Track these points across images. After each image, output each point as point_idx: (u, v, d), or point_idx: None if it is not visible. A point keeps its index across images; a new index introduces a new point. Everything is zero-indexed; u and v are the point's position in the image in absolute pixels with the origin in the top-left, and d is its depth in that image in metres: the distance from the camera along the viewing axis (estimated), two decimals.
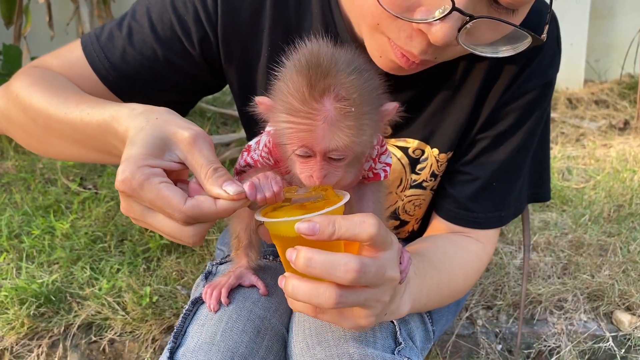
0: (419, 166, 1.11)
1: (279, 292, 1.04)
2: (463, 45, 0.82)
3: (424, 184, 1.14)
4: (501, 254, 1.94)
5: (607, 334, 1.61)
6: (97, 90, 1.04)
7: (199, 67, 1.06)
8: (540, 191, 1.22)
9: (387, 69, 0.90)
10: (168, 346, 0.93)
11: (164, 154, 0.73)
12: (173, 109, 0.81)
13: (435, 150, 1.09)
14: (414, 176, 1.13)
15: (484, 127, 1.07)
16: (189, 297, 1.45)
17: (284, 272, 0.75)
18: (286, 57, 0.75)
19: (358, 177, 0.88)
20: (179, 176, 0.78)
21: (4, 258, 1.84)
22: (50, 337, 1.58)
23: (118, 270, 1.79)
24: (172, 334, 0.95)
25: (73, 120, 0.89)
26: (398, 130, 1.08)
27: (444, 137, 1.07)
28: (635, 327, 1.61)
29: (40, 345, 1.56)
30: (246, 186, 0.71)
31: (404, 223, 1.22)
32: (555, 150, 2.91)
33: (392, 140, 1.10)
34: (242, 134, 2.80)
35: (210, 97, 3.65)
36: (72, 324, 1.59)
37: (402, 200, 1.16)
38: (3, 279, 1.72)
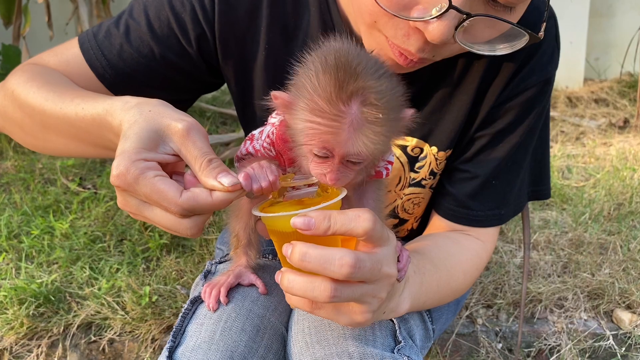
0: (417, 164, 1.11)
1: (278, 290, 1.04)
2: (460, 43, 0.82)
3: (423, 182, 1.13)
4: (501, 253, 1.94)
5: (608, 333, 1.60)
6: (94, 87, 1.04)
7: (196, 65, 1.06)
8: (540, 189, 1.21)
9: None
10: (167, 345, 0.93)
11: (158, 147, 0.73)
12: None
13: (434, 149, 1.09)
14: (412, 174, 1.12)
15: (483, 125, 1.07)
16: (189, 296, 1.45)
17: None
18: (307, 55, 0.74)
19: (366, 177, 0.88)
20: (175, 168, 0.78)
21: (3, 258, 1.83)
22: (50, 337, 1.58)
23: (117, 270, 1.79)
24: (171, 333, 0.95)
25: (68, 115, 0.88)
26: None
27: (443, 135, 1.07)
28: (636, 326, 1.61)
29: (39, 345, 1.56)
30: (241, 177, 0.71)
31: (403, 221, 1.22)
32: (555, 149, 2.90)
33: None
34: (241, 133, 2.80)
35: (209, 96, 3.65)
36: (71, 323, 1.59)
37: (401, 199, 1.16)
38: (2, 279, 1.72)
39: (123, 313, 1.59)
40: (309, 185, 0.83)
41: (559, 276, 1.82)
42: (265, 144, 0.83)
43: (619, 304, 1.69)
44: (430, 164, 1.11)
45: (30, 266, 1.79)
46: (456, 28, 0.80)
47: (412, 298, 0.92)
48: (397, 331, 0.97)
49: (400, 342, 0.95)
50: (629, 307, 1.68)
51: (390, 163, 0.91)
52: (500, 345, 1.62)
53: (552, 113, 3.48)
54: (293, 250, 0.69)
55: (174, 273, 1.77)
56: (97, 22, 3.03)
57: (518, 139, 1.08)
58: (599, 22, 4.07)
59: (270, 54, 1.04)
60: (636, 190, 2.34)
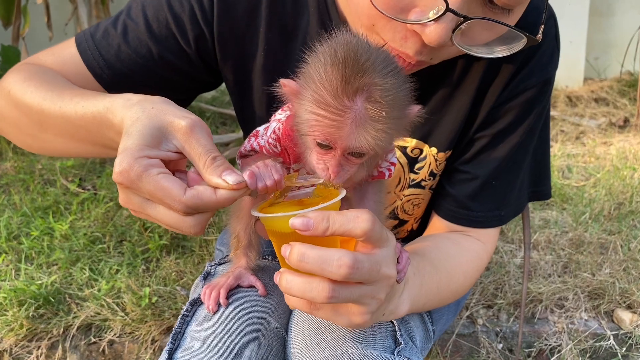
0: (417, 165, 1.11)
1: (278, 292, 1.04)
2: (458, 45, 0.82)
3: (423, 183, 1.13)
4: (501, 253, 1.94)
5: (608, 333, 1.60)
6: (91, 87, 1.03)
7: (194, 66, 1.05)
8: (540, 189, 1.21)
9: None
10: (167, 347, 0.93)
11: (161, 144, 0.72)
12: None
13: (434, 149, 1.09)
14: (412, 175, 1.12)
15: (482, 126, 1.07)
16: (188, 297, 1.44)
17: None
18: (319, 44, 0.73)
19: (368, 175, 0.88)
20: (177, 166, 0.77)
21: (3, 259, 1.83)
22: (50, 338, 1.57)
23: (117, 271, 1.78)
24: (171, 335, 0.95)
25: (67, 113, 0.88)
26: None
27: (443, 136, 1.07)
28: (637, 326, 1.61)
29: (39, 347, 1.56)
30: (246, 175, 0.70)
31: (402, 222, 1.21)
32: (555, 149, 2.90)
33: None
34: (241, 133, 2.79)
35: (209, 97, 3.65)
36: (71, 325, 1.59)
37: (401, 200, 1.16)
38: (2, 280, 1.72)
39: (123, 314, 1.59)
40: (312, 185, 0.83)
41: (559, 276, 1.82)
42: (270, 140, 0.83)
43: (620, 303, 1.69)
44: (429, 164, 1.10)
45: (30, 267, 1.79)
46: (453, 31, 0.79)
47: (412, 300, 0.92)
48: (397, 333, 0.96)
49: (400, 344, 0.95)
50: (629, 307, 1.68)
51: (393, 164, 0.91)
52: (501, 345, 1.62)
53: (552, 112, 3.48)
54: (291, 251, 0.69)
55: (173, 274, 1.76)
56: (97, 22, 3.03)
57: (518, 139, 1.08)
58: (598, 21, 4.06)
59: (269, 55, 1.04)
60: (636, 189, 2.34)
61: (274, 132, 0.83)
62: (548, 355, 1.60)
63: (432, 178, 1.12)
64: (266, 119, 0.88)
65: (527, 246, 1.42)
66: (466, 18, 0.78)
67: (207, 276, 1.13)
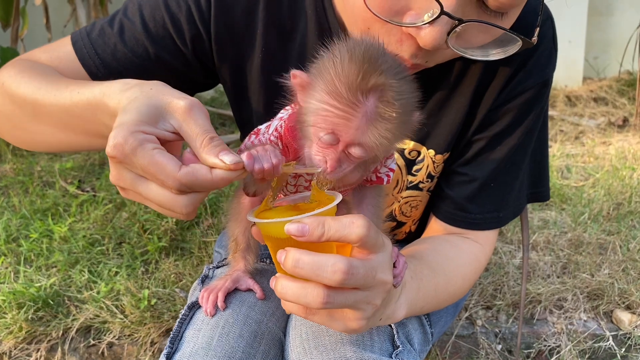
0: (415, 167, 1.11)
1: (276, 296, 1.03)
2: (453, 48, 0.82)
3: (421, 185, 1.13)
4: (500, 254, 1.94)
5: (607, 333, 1.60)
6: None
7: (191, 66, 1.05)
8: (539, 191, 1.21)
9: None
10: (164, 351, 0.93)
11: (158, 123, 0.71)
12: None
13: (432, 152, 1.09)
14: (410, 177, 1.12)
15: (480, 128, 1.07)
16: (187, 300, 1.44)
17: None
18: (333, 45, 0.74)
19: (362, 178, 0.87)
20: (172, 150, 0.75)
21: (2, 262, 1.83)
22: (49, 341, 1.57)
23: (116, 273, 1.78)
24: (169, 339, 0.95)
25: (62, 101, 0.86)
26: None
27: (440, 138, 1.07)
28: (636, 326, 1.61)
29: (38, 349, 1.56)
30: (244, 156, 0.69)
31: (400, 224, 1.21)
32: (554, 149, 2.90)
33: None
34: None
35: (208, 97, 3.65)
36: (70, 327, 1.59)
37: (399, 202, 1.16)
38: (1, 283, 1.72)
39: (122, 316, 1.59)
40: (307, 183, 0.83)
41: (558, 277, 1.82)
42: (272, 137, 0.83)
43: (619, 304, 1.69)
44: (427, 167, 1.10)
45: (29, 270, 1.79)
46: (448, 34, 0.79)
47: (409, 304, 0.92)
48: (395, 336, 0.96)
49: (398, 347, 0.95)
50: (628, 308, 1.68)
51: (392, 170, 0.91)
52: (500, 346, 1.62)
53: (551, 112, 3.48)
54: (286, 257, 0.69)
55: (172, 276, 1.76)
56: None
57: (516, 141, 1.08)
58: (597, 20, 4.06)
59: (267, 56, 1.04)
60: (635, 189, 2.34)
61: (276, 129, 0.83)
62: (547, 356, 1.60)
63: (430, 180, 1.12)
64: (264, 120, 0.88)
65: (525, 247, 1.42)
66: (461, 21, 0.78)
67: (205, 279, 1.13)
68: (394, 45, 0.84)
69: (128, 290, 1.67)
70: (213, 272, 1.15)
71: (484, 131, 1.07)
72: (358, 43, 0.72)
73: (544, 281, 1.79)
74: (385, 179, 0.90)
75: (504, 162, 1.09)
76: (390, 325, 0.98)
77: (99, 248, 1.90)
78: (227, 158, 0.67)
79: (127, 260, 1.85)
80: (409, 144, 1.09)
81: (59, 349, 1.57)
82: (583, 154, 2.85)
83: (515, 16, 0.86)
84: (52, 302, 1.63)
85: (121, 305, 1.62)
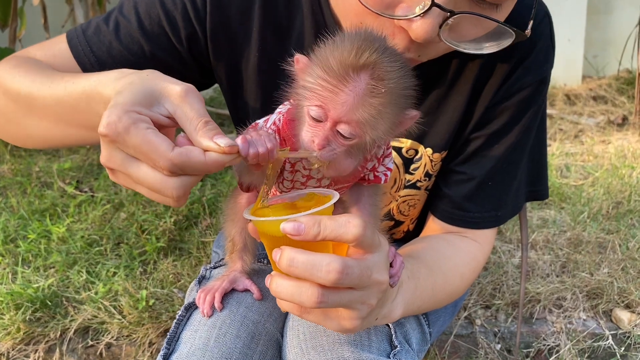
0: (412, 166, 1.10)
1: (273, 296, 1.03)
2: (446, 42, 0.81)
3: (418, 184, 1.13)
4: (499, 253, 1.94)
5: (607, 332, 1.60)
6: None
7: (186, 65, 1.05)
8: (538, 189, 1.21)
9: None
10: (161, 352, 0.92)
11: (153, 106, 0.70)
12: None
13: (429, 150, 1.08)
14: (407, 176, 1.12)
15: (478, 126, 1.06)
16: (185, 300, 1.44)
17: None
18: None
19: (358, 174, 0.87)
20: (165, 135, 0.75)
21: (0, 263, 1.83)
22: (47, 341, 1.57)
23: (114, 273, 1.78)
24: (166, 340, 0.95)
25: (56, 92, 0.86)
26: None
27: (438, 137, 1.06)
28: (635, 325, 1.60)
29: (36, 350, 1.56)
30: (239, 140, 0.69)
31: (398, 223, 1.21)
32: (553, 147, 2.90)
33: None
34: None
35: (207, 97, 3.65)
36: (68, 328, 1.58)
37: (397, 201, 1.15)
38: None
39: (120, 317, 1.59)
40: (305, 179, 0.82)
41: (557, 276, 1.81)
42: (270, 131, 0.82)
43: (618, 303, 1.68)
44: (425, 165, 1.10)
45: (27, 270, 1.78)
46: (440, 26, 0.79)
47: (406, 304, 0.92)
48: (393, 336, 0.96)
49: (396, 347, 0.94)
50: (628, 307, 1.68)
51: (390, 170, 0.90)
52: (499, 346, 1.62)
53: (551, 111, 3.47)
54: (281, 256, 0.69)
55: (170, 276, 1.76)
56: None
57: (514, 139, 1.07)
58: (597, 19, 4.06)
59: (263, 54, 1.04)
60: (635, 188, 2.34)
61: (274, 123, 0.83)
62: (546, 355, 1.60)
63: (427, 179, 1.12)
64: (260, 118, 0.87)
65: (524, 246, 1.42)
66: (452, 13, 0.78)
67: (202, 280, 1.13)
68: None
69: (126, 291, 1.67)
70: (210, 272, 1.15)
71: (481, 129, 1.07)
72: (360, 29, 0.73)
73: (543, 280, 1.79)
74: (383, 178, 0.90)
75: (502, 161, 1.08)
76: (388, 325, 0.97)
77: (97, 248, 1.90)
78: (222, 141, 0.66)
79: (125, 261, 1.84)
80: (406, 143, 1.08)
81: (57, 349, 1.56)
82: (582, 152, 2.85)
83: (509, 9, 0.86)
84: (50, 303, 1.62)
85: (119, 306, 1.62)
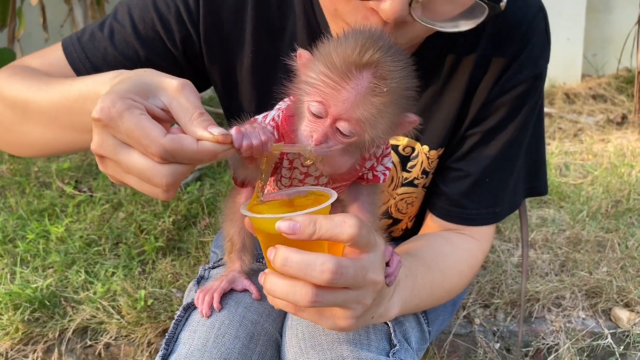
0: (409, 164, 1.10)
1: None
2: (420, 21, 0.81)
3: (416, 182, 1.13)
4: (498, 252, 1.93)
5: (606, 331, 1.60)
6: None
7: (181, 68, 1.05)
8: (536, 185, 1.20)
9: None
10: (160, 353, 0.93)
11: (149, 98, 0.69)
12: None
13: (426, 147, 1.08)
14: (405, 174, 1.12)
15: (474, 123, 1.06)
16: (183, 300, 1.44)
17: None
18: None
19: (356, 172, 0.87)
20: None
21: None
22: (45, 342, 1.57)
23: (113, 273, 1.78)
24: (164, 340, 0.94)
25: (52, 95, 0.86)
26: None
27: (434, 134, 1.06)
28: (634, 324, 1.60)
29: (35, 351, 1.55)
30: (233, 131, 0.68)
31: (397, 221, 1.21)
32: (552, 146, 2.90)
33: None
34: None
35: (206, 97, 3.64)
36: (67, 328, 1.58)
37: (394, 199, 1.15)
38: None
39: (119, 317, 1.59)
40: (302, 176, 0.82)
41: (556, 275, 1.81)
42: (268, 127, 0.82)
43: (617, 302, 1.68)
44: (422, 163, 1.10)
45: (26, 271, 1.78)
46: (410, 4, 0.78)
47: (403, 302, 0.92)
48: (392, 334, 0.96)
49: (395, 346, 0.94)
50: (627, 305, 1.68)
51: (388, 169, 0.91)
52: (498, 345, 1.62)
53: (550, 110, 3.47)
54: (276, 254, 0.69)
55: (169, 276, 1.76)
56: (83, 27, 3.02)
57: (510, 136, 1.07)
58: (596, 17, 4.05)
59: (257, 55, 1.04)
60: (634, 187, 2.34)
61: (273, 119, 0.83)
62: (545, 354, 1.60)
63: (424, 176, 1.12)
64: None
65: (524, 242, 1.41)
66: None
67: (200, 280, 1.12)
68: (360, 24, 0.81)
69: (125, 291, 1.66)
70: (209, 272, 1.15)
71: (477, 126, 1.06)
72: (365, 27, 0.74)
73: (542, 279, 1.78)
74: (382, 177, 0.90)
75: (498, 157, 1.08)
76: (387, 324, 0.97)
77: (95, 248, 1.89)
78: (216, 130, 0.66)
79: (124, 261, 1.84)
80: (402, 141, 1.08)
81: (56, 350, 1.56)
82: (581, 151, 2.84)
83: None
84: (48, 303, 1.62)
85: (118, 306, 1.62)
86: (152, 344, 1.56)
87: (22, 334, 1.55)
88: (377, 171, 0.90)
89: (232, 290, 1.02)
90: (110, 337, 1.57)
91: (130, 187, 0.73)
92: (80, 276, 1.75)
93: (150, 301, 1.63)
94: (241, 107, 1.09)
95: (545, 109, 3.47)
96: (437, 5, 0.82)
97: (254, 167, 0.76)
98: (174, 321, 0.98)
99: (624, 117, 3.34)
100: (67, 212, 2.13)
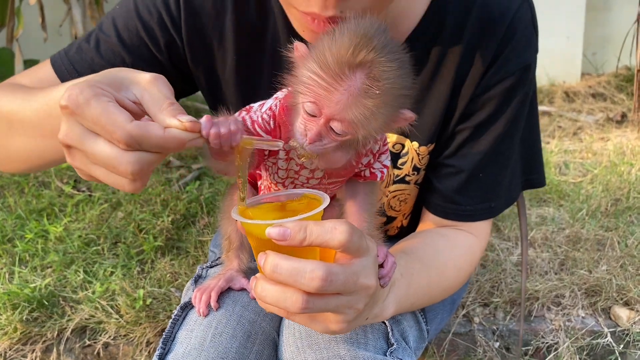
0: (400, 161, 1.10)
1: None
2: None
3: (407, 178, 1.12)
4: (498, 251, 1.93)
5: (606, 330, 1.59)
6: None
7: (168, 73, 1.04)
8: (533, 177, 1.19)
9: (313, 40, 0.85)
10: (157, 352, 0.92)
11: (121, 91, 0.69)
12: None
13: (415, 144, 1.08)
14: (396, 171, 1.11)
15: (463, 118, 1.05)
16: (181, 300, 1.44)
17: None
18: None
19: (353, 168, 0.86)
20: None
21: None
22: (44, 341, 1.57)
23: (112, 273, 1.77)
24: (161, 339, 0.94)
25: (35, 104, 0.86)
26: None
27: (423, 130, 1.06)
28: (634, 322, 1.60)
29: (34, 350, 1.55)
30: (203, 119, 0.68)
31: (391, 219, 1.20)
32: (552, 144, 2.89)
33: None
34: None
35: (200, 98, 3.64)
36: (65, 328, 1.58)
37: (387, 196, 1.15)
38: None
39: (117, 317, 1.58)
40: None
41: (556, 273, 1.81)
42: (265, 116, 0.82)
43: (617, 300, 1.68)
44: (412, 159, 1.09)
45: (24, 270, 1.78)
46: None
47: (398, 302, 0.91)
48: (390, 333, 0.96)
49: (392, 345, 0.94)
50: (626, 304, 1.67)
51: (386, 167, 0.90)
52: (498, 344, 1.61)
53: (549, 108, 3.47)
54: (266, 261, 0.69)
55: (168, 276, 1.76)
56: (91, 23, 3.01)
57: (501, 130, 1.06)
58: (595, 16, 4.05)
59: (240, 58, 1.05)
60: (633, 185, 2.33)
61: (270, 108, 0.83)
62: (545, 353, 1.59)
63: (416, 173, 1.11)
64: None
65: (524, 236, 1.40)
66: None
67: (198, 279, 1.12)
68: (304, 4, 0.81)
69: (123, 290, 1.66)
70: (206, 271, 1.15)
71: (467, 121, 1.05)
72: (362, 22, 0.72)
73: (542, 278, 1.78)
74: (379, 175, 0.90)
75: (490, 152, 1.07)
76: (384, 323, 0.97)
77: (94, 248, 1.89)
78: (185, 118, 0.65)
79: (123, 260, 1.84)
80: (392, 137, 1.08)
81: (54, 349, 1.56)
82: (581, 149, 2.84)
83: None
84: (47, 303, 1.62)
85: (116, 305, 1.62)
86: (151, 343, 1.56)
87: (21, 333, 1.55)
88: (374, 168, 0.89)
89: (229, 288, 1.02)
90: (109, 336, 1.57)
91: (100, 182, 0.72)
92: (78, 276, 1.75)
93: (149, 301, 1.62)
94: (227, 109, 1.09)
95: (545, 108, 3.47)
96: None
97: (226, 164, 0.75)
98: (171, 320, 0.98)
99: (623, 116, 3.34)
100: (66, 211, 2.12)
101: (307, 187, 0.89)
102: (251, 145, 0.72)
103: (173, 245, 1.94)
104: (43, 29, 2.91)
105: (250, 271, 1.06)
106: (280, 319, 1.02)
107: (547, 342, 1.59)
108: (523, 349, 1.60)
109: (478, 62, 1.01)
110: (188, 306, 1.01)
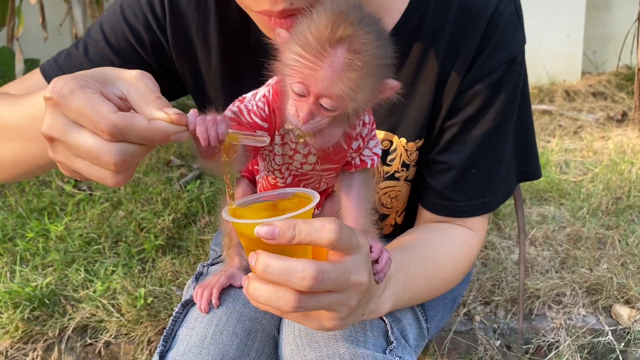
0: (389, 157, 1.10)
1: None
2: None
3: (397, 175, 1.12)
4: (499, 249, 1.93)
5: (606, 328, 1.59)
6: None
7: (155, 74, 1.04)
8: (529, 169, 1.19)
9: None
10: (158, 350, 0.92)
11: (107, 87, 0.69)
12: None
13: (403, 140, 1.08)
14: (385, 168, 1.11)
15: (451, 114, 1.05)
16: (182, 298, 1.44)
17: None
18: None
19: (344, 153, 0.87)
20: None
21: None
22: (45, 340, 1.57)
23: (113, 272, 1.78)
24: (162, 337, 0.94)
25: (21, 109, 0.87)
26: None
27: (410, 125, 1.06)
28: (635, 321, 1.60)
29: (35, 349, 1.56)
30: (190, 113, 0.68)
31: (384, 217, 1.20)
32: (552, 143, 2.89)
33: None
34: None
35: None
36: (66, 327, 1.58)
37: (377, 193, 1.15)
38: None
39: (118, 315, 1.59)
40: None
41: (557, 272, 1.81)
42: (259, 103, 0.83)
43: (618, 299, 1.68)
44: (400, 155, 1.09)
45: (25, 269, 1.78)
46: None
47: (395, 297, 0.92)
48: (389, 331, 0.96)
49: (392, 343, 0.94)
50: (627, 302, 1.67)
51: (377, 155, 0.91)
52: (499, 342, 1.61)
53: (550, 107, 3.47)
54: (256, 261, 0.69)
55: (169, 274, 1.76)
56: (91, 22, 3.02)
57: (491, 124, 1.05)
58: (596, 15, 4.04)
59: (225, 59, 1.06)
60: (634, 184, 2.33)
61: (264, 95, 0.84)
62: (546, 351, 1.59)
63: (405, 169, 1.11)
64: None
65: (521, 230, 1.40)
66: None
67: (199, 277, 1.12)
68: (257, 3, 0.81)
69: (124, 289, 1.66)
70: (207, 269, 1.15)
71: (455, 117, 1.05)
72: (339, 2, 0.74)
73: (543, 276, 1.78)
74: (369, 162, 0.90)
75: (481, 147, 1.06)
76: (383, 321, 0.97)
77: (95, 247, 1.89)
78: (171, 111, 0.65)
79: (124, 259, 1.84)
80: (379, 134, 1.08)
81: (56, 348, 1.56)
82: (582, 148, 2.84)
83: None
84: (48, 302, 1.62)
85: (117, 304, 1.62)
86: (152, 342, 1.56)
87: (22, 332, 1.55)
88: (364, 155, 0.90)
89: (230, 286, 1.02)
90: (110, 335, 1.57)
91: (83, 178, 0.72)
92: (80, 274, 1.75)
93: (150, 299, 1.63)
94: (216, 109, 1.10)
95: (545, 106, 3.46)
96: None
97: (213, 163, 0.75)
98: (172, 318, 0.98)
99: (624, 115, 3.34)
100: (67, 210, 2.13)
101: (301, 173, 0.90)
102: (237, 141, 0.72)
103: (174, 244, 1.94)
104: (43, 28, 2.92)
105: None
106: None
107: (548, 341, 1.59)
108: (524, 347, 1.60)
109: (461, 57, 1.01)
110: (189, 304, 1.01)
